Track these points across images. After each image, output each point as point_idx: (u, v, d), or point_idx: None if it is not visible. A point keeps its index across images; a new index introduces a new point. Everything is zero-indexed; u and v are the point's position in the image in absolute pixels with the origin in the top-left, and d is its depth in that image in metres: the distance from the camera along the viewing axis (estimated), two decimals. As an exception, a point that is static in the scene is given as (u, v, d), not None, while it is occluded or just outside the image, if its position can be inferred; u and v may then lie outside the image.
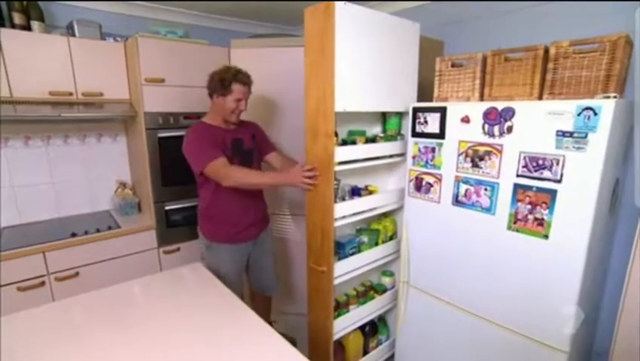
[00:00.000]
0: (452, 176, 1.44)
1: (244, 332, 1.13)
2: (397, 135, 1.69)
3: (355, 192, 1.70)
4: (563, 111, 1.12)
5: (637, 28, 1.15)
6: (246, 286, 2.03)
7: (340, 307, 1.70)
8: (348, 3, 1.30)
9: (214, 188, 1.65)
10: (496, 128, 1.28)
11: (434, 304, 1.59)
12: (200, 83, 1.66)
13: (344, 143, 1.54)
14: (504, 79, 1.33)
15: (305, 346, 1.78)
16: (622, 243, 1.50)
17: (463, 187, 1.41)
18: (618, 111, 1.07)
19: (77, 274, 1.91)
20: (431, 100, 1.57)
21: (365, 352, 1.87)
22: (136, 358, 1.01)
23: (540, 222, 1.21)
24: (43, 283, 1.81)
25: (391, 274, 1.90)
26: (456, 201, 1.44)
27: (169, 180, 2.14)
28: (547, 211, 1.19)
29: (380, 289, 1.84)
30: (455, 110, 1.40)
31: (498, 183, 1.30)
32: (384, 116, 1.76)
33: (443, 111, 1.43)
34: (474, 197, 1.38)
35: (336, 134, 1.43)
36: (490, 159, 1.31)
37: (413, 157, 1.57)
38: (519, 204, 1.25)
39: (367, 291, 1.82)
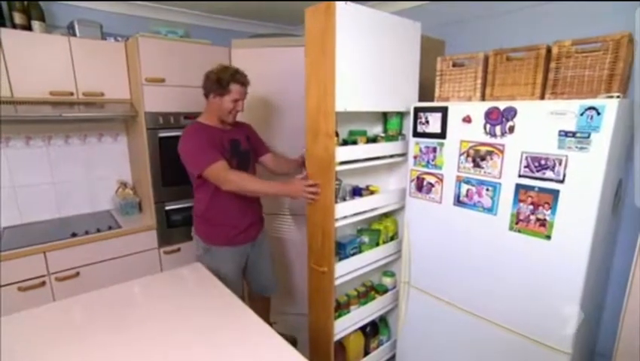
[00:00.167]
0: (454, 176, 1.43)
1: (244, 332, 1.13)
2: (398, 135, 1.68)
3: (356, 192, 1.69)
4: (566, 111, 1.11)
5: (637, 28, 1.14)
6: (245, 288, 2.02)
7: (341, 308, 1.69)
8: (349, 3, 1.29)
9: (213, 190, 1.62)
10: (498, 128, 1.27)
11: (435, 305, 1.59)
12: (200, 83, 1.65)
13: (345, 143, 1.54)
14: (505, 78, 1.32)
15: (305, 346, 1.77)
16: (625, 243, 1.50)
17: (464, 187, 1.40)
18: (621, 111, 1.06)
19: (77, 274, 1.91)
20: (432, 100, 1.56)
21: (366, 353, 1.87)
22: (136, 358, 1.01)
23: (542, 222, 1.20)
24: (43, 283, 1.81)
25: (392, 275, 1.89)
26: (458, 202, 1.44)
27: (170, 180, 2.14)
28: (549, 212, 1.18)
29: (381, 290, 1.83)
30: (456, 109, 1.39)
31: (499, 184, 1.30)
32: (385, 116, 1.76)
33: (444, 111, 1.43)
34: (476, 197, 1.37)
35: (337, 134, 1.42)
36: (492, 159, 1.30)
37: (414, 157, 1.57)
38: (521, 204, 1.24)
39: (368, 291, 1.82)
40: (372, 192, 1.71)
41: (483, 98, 1.40)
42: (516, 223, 1.27)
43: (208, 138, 1.59)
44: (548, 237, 1.19)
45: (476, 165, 1.35)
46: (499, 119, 1.26)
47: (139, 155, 2.22)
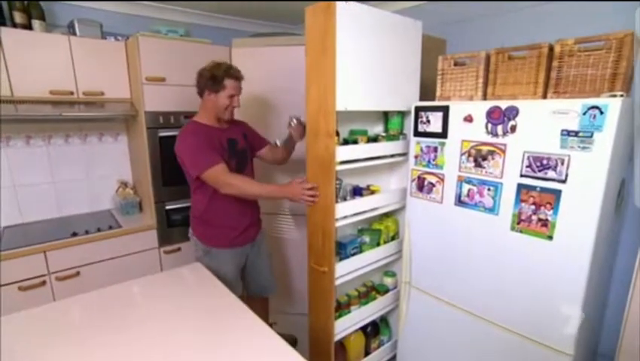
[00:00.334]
0: (455, 176, 1.42)
1: (244, 332, 1.12)
2: (399, 135, 1.67)
3: (357, 191, 1.68)
4: (568, 110, 1.10)
5: (637, 28, 1.13)
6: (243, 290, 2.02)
7: (341, 308, 1.69)
8: (349, 1, 1.29)
9: (212, 192, 1.60)
10: (499, 128, 1.26)
11: (436, 305, 1.58)
12: (201, 82, 1.65)
13: (345, 142, 1.53)
14: (507, 77, 1.31)
15: (306, 346, 1.77)
16: (628, 243, 1.49)
17: (466, 187, 1.39)
18: (625, 110, 1.05)
19: (77, 273, 1.91)
20: (433, 99, 1.55)
21: (367, 353, 1.86)
22: (136, 358, 1.01)
23: (544, 222, 1.19)
24: (44, 283, 1.81)
25: (393, 275, 1.89)
26: (459, 202, 1.43)
27: (170, 180, 2.14)
28: (551, 212, 1.17)
29: (382, 290, 1.83)
30: (457, 109, 1.38)
31: (501, 183, 1.29)
32: (386, 116, 1.75)
33: (445, 110, 1.42)
34: (477, 197, 1.36)
35: (338, 134, 1.42)
36: (493, 158, 1.29)
37: (415, 157, 1.56)
38: (523, 204, 1.23)
39: (369, 291, 1.81)
40: (372, 192, 1.70)
41: (484, 97, 1.39)
42: (518, 223, 1.26)
43: (207, 139, 1.56)
44: (550, 237, 1.19)
45: (478, 165, 1.34)
46: (501, 119, 1.26)
47: (139, 154, 2.22)
